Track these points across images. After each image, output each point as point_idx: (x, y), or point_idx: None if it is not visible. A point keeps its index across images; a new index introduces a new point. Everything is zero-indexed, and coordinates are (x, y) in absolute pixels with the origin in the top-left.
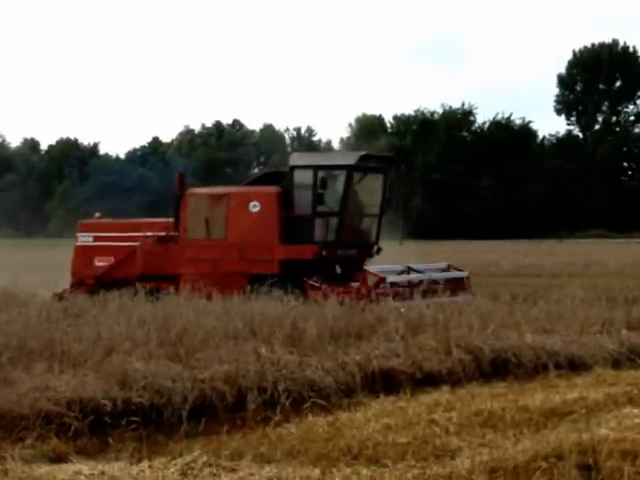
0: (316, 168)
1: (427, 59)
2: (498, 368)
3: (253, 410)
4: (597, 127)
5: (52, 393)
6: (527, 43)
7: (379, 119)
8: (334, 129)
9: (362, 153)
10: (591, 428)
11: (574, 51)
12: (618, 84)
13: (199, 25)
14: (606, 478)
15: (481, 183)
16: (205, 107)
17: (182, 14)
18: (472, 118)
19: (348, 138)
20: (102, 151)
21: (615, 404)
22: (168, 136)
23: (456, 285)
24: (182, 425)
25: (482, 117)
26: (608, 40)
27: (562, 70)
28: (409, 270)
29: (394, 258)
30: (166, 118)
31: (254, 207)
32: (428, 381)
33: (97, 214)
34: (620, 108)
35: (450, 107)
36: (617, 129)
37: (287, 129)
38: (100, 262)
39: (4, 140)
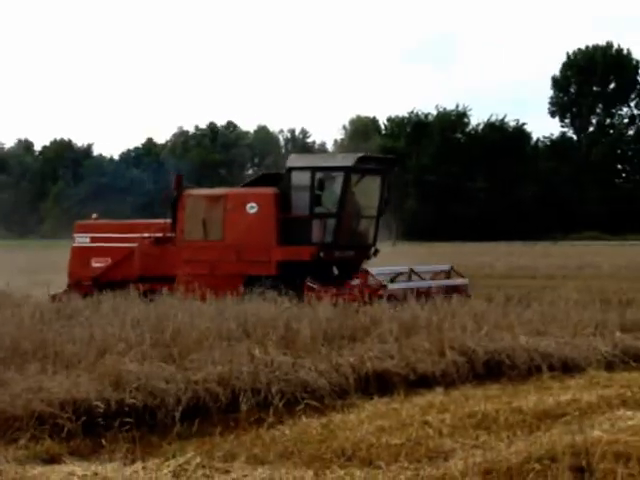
0: (314, 170)
1: (421, 61)
2: (492, 370)
3: (246, 411)
4: (591, 129)
5: (45, 394)
6: (521, 45)
7: (373, 121)
8: (328, 131)
9: (360, 155)
10: (584, 430)
11: (568, 53)
12: (612, 86)
13: (193, 27)
14: None
15: (475, 185)
16: (199, 108)
17: (176, 16)
18: (466, 120)
19: (342, 140)
20: (96, 152)
21: (608, 406)
22: (162, 137)
23: (456, 291)
24: (175, 426)
25: (476, 119)
26: (602, 42)
27: (556, 72)
28: (412, 273)
29: (387, 260)
30: (160, 119)
31: (251, 208)
32: (422, 383)
33: (94, 215)
34: (614, 110)
35: (444, 109)
36: (611, 131)
37: (281, 131)
38: (97, 263)
39: None
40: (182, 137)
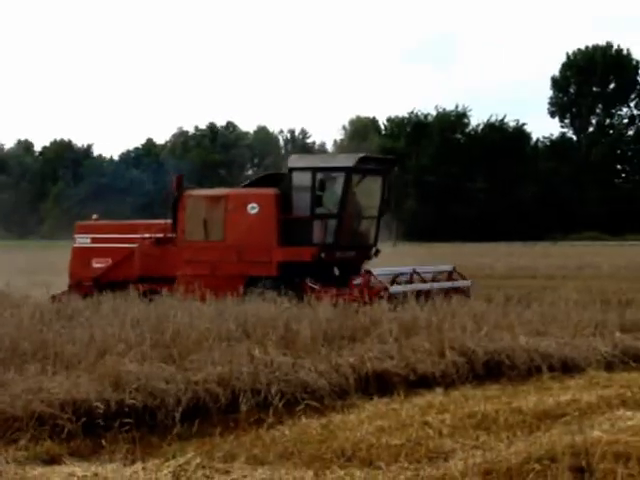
0: (315, 170)
1: (421, 61)
2: (491, 370)
3: (246, 412)
4: (591, 129)
5: (45, 395)
6: (520, 45)
7: (373, 121)
8: (328, 131)
9: (361, 155)
10: (584, 430)
11: (568, 53)
12: (612, 86)
13: (193, 27)
14: None
15: (475, 185)
16: (199, 109)
17: (176, 16)
18: (466, 120)
19: (342, 140)
20: (96, 153)
21: (608, 406)
22: (162, 138)
23: (457, 291)
24: (175, 427)
25: (476, 119)
26: (602, 42)
27: (556, 72)
28: (414, 273)
29: (388, 260)
30: (160, 120)
31: (252, 209)
32: (421, 383)
33: (95, 216)
34: (614, 110)
35: (444, 109)
36: (611, 131)
37: (281, 131)
38: (98, 264)
39: None
40: (182, 137)
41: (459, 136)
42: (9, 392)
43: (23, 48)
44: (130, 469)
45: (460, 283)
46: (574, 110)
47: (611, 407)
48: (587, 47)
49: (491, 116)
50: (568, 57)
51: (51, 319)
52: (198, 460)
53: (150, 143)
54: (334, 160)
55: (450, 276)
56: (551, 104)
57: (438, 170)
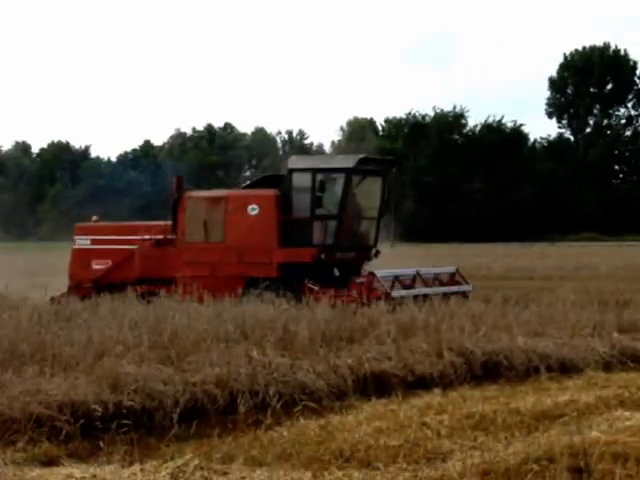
0: (315, 171)
1: (418, 62)
2: (489, 371)
3: (244, 413)
4: (588, 130)
5: (43, 396)
6: (518, 46)
7: (370, 122)
8: (326, 132)
9: (361, 156)
10: (582, 431)
11: (565, 54)
12: (609, 87)
13: (191, 29)
14: None
15: (472, 186)
16: (196, 110)
17: (173, 17)
18: (463, 121)
19: (340, 141)
20: (93, 154)
21: (606, 407)
22: (159, 139)
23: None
24: (173, 428)
25: (473, 120)
26: (599, 43)
27: (553, 73)
28: (417, 275)
29: (387, 261)
30: (157, 121)
31: (253, 210)
32: (420, 384)
33: (94, 217)
34: (611, 111)
35: (441, 110)
36: (608, 132)
37: (279, 132)
38: (98, 265)
39: None
40: (179, 139)
41: (457, 137)
42: (7, 394)
43: (21, 50)
44: (128, 470)
45: (462, 287)
46: (571, 111)
47: (609, 407)
48: (584, 48)
49: (489, 117)
50: (565, 58)
51: (49, 321)
52: (196, 461)
53: (148, 145)
54: (334, 161)
55: (453, 278)
56: (549, 105)
57: (436, 171)
